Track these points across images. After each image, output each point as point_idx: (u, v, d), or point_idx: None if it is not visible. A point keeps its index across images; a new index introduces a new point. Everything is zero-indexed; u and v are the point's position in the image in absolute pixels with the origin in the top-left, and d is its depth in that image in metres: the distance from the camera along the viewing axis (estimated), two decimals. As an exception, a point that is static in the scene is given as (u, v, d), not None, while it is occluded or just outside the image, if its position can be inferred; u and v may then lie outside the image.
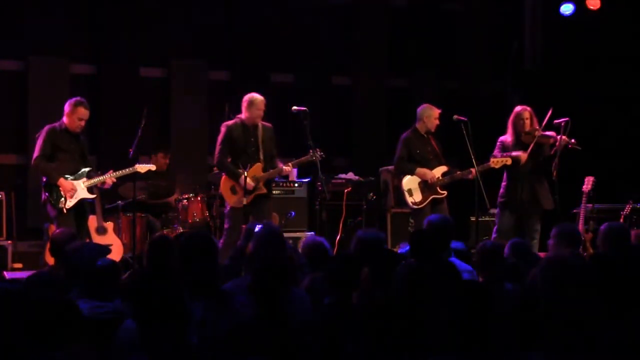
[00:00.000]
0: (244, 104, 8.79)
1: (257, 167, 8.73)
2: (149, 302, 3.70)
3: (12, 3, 10.68)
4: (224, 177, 8.81)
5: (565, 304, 3.56)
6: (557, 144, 8.72)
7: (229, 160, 8.75)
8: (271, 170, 8.79)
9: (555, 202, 8.86)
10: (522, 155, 8.80)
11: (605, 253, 5.45)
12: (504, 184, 9.02)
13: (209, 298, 4.44)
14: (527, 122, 8.88)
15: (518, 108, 9.01)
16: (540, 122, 8.89)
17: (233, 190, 8.72)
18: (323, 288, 4.54)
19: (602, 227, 6.33)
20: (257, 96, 8.80)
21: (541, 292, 3.75)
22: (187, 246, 4.73)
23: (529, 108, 8.97)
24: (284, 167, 8.82)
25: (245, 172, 8.57)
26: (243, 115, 8.80)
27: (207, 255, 4.65)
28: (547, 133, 8.85)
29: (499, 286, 5.05)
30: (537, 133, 8.79)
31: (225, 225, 8.75)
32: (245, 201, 8.62)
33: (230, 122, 8.84)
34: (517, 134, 8.92)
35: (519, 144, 8.90)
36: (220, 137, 8.77)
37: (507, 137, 8.99)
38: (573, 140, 8.75)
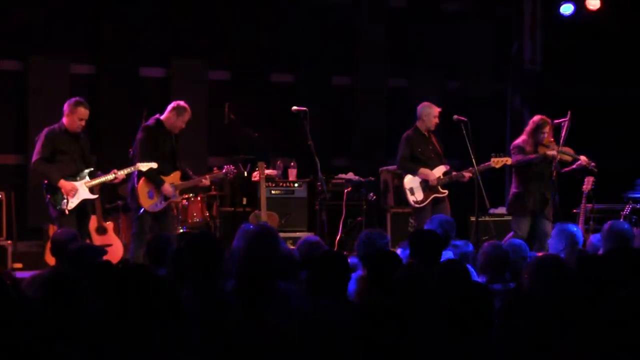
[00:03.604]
0: (173, 109, 8.52)
1: (176, 175, 8.60)
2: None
3: (12, 3, 10.67)
4: (142, 179, 8.41)
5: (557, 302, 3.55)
6: (577, 163, 8.88)
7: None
8: (190, 180, 8.69)
9: (555, 202, 8.87)
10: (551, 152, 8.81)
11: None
12: (515, 191, 9.01)
13: (210, 296, 4.43)
14: (547, 135, 8.86)
15: (537, 118, 8.94)
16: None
17: (150, 195, 8.47)
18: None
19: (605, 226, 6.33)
20: (187, 107, 8.56)
21: (532, 291, 3.76)
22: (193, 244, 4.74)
23: (549, 120, 8.90)
24: (202, 180, 8.76)
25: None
26: (166, 118, 8.53)
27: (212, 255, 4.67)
28: (567, 149, 8.92)
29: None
30: (553, 147, 8.81)
31: (133, 230, 8.49)
32: (161, 207, 8.47)
33: (150, 124, 8.55)
34: (535, 144, 8.88)
35: (536, 152, 8.88)
36: (143, 139, 8.47)
37: (526, 146, 8.92)
38: (593, 164, 8.90)
